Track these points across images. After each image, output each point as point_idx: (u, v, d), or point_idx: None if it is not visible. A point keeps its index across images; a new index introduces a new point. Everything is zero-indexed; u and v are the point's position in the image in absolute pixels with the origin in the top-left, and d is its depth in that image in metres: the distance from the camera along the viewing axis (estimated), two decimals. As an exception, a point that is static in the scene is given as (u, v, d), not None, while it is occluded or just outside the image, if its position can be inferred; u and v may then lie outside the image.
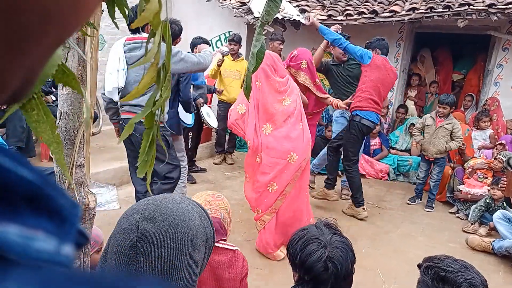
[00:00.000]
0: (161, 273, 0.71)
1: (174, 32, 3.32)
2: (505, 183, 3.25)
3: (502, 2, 4.91)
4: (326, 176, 4.62)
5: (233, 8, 6.00)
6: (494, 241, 3.68)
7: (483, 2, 5.01)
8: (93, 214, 1.42)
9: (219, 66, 5.22)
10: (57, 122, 1.29)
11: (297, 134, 3.18)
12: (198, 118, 4.82)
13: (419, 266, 1.54)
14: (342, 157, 4.37)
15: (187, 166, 4.00)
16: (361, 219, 4.17)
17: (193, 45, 4.65)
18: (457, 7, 5.05)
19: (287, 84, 3.21)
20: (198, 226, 0.79)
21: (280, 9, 5.68)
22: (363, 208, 4.20)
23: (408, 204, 4.80)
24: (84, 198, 1.35)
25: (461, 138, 4.55)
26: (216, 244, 1.51)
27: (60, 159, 0.51)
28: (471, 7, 4.97)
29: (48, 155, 4.54)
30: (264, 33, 1.09)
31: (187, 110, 3.75)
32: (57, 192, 0.23)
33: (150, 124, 0.51)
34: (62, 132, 1.29)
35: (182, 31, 3.47)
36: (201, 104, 4.50)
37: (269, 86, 3.14)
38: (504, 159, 4.36)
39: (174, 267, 0.72)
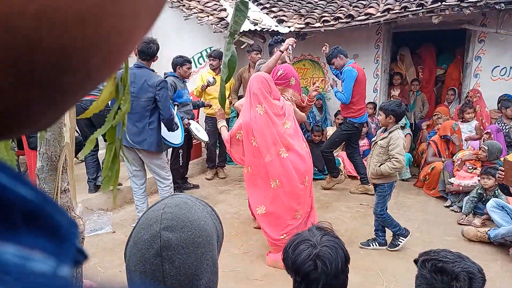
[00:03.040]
0: (185, 276, 0.77)
1: (152, 51, 3.61)
2: (503, 172, 3.26)
3: (473, -5, 5.02)
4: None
5: (211, 24, 6.06)
6: (489, 230, 3.69)
7: (455, -3, 5.12)
8: (82, 238, 1.42)
9: (203, 90, 5.28)
10: (38, 149, 1.29)
11: (305, 154, 3.24)
12: (187, 135, 4.83)
13: (415, 261, 1.55)
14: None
15: (172, 185, 3.98)
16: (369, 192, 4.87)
17: (175, 65, 4.68)
18: (430, 4, 5.16)
19: (283, 107, 3.25)
20: (211, 226, 0.86)
21: (258, 21, 5.76)
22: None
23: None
24: (72, 223, 1.36)
25: (397, 159, 3.31)
26: None
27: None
28: (443, 3, 5.08)
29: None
30: (244, 46, 1.11)
31: (170, 128, 3.69)
32: (56, 211, 0.22)
33: (112, 139, 0.51)
34: (44, 159, 1.29)
35: (159, 50, 3.69)
36: (187, 125, 4.52)
37: (271, 110, 3.16)
38: (487, 148, 4.42)
39: (197, 269, 0.79)
